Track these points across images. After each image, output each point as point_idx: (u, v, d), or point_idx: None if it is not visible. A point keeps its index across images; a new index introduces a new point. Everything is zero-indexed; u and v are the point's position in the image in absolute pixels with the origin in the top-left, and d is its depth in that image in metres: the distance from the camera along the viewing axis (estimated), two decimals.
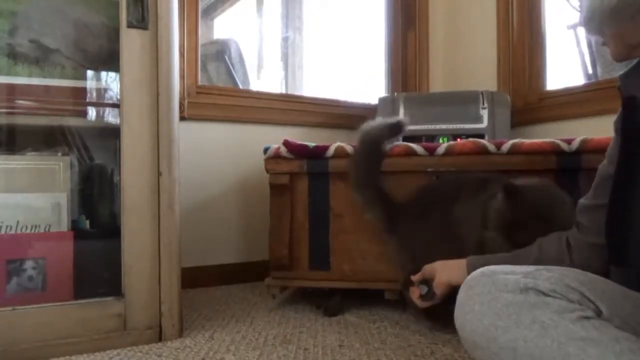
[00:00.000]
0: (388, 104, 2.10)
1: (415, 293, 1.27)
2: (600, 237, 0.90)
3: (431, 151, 1.55)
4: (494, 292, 0.73)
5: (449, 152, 1.53)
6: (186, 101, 1.99)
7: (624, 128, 0.88)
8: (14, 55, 1.36)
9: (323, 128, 2.30)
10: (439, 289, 1.19)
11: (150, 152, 1.32)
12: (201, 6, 2.15)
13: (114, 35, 1.32)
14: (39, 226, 1.32)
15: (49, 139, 1.46)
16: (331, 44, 2.88)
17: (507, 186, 1.14)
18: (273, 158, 1.63)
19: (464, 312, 0.76)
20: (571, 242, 1.00)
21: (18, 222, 1.30)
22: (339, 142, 1.61)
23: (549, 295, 0.68)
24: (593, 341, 0.62)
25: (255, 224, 2.10)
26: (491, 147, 1.50)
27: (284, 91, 2.82)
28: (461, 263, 1.13)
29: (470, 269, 1.04)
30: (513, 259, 1.03)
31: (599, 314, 0.67)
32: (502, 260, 0.98)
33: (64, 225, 1.35)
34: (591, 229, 0.95)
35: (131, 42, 1.30)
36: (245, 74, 2.60)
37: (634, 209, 0.83)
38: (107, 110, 1.46)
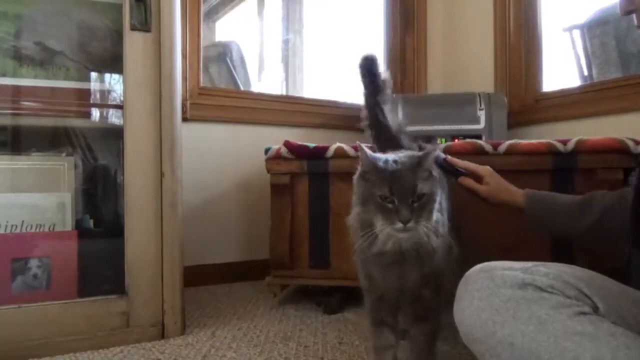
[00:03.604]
0: None
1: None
2: None
3: None
4: (492, 288, 0.73)
5: (446, 153, 1.55)
6: (188, 102, 2.01)
7: None
8: (19, 58, 1.37)
9: (323, 129, 2.32)
10: (489, 196, 1.23)
11: (153, 152, 1.34)
12: (203, 9, 2.17)
13: (118, 38, 1.34)
14: (44, 225, 1.34)
15: (53, 140, 1.47)
16: (331, 46, 2.88)
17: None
18: (274, 158, 1.65)
19: (462, 307, 0.76)
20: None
21: (23, 221, 1.32)
22: (339, 142, 1.63)
23: (547, 291, 0.69)
24: (589, 336, 0.62)
25: (256, 223, 2.12)
26: (488, 148, 1.52)
27: (284, 92, 2.84)
28: (517, 191, 1.23)
29: (528, 199, 1.18)
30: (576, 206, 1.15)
31: (595, 309, 0.68)
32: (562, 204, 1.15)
33: (68, 225, 1.37)
34: None
35: (134, 44, 1.32)
36: (246, 76, 2.62)
37: None
38: (111, 111, 1.48)
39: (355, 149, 1.59)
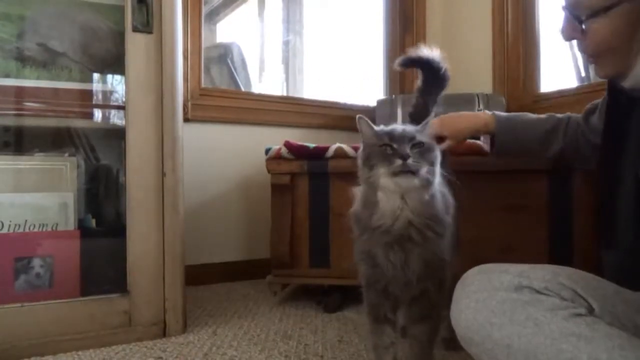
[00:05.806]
0: (386, 106, 2.13)
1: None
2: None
3: None
4: (489, 290, 0.74)
5: (445, 153, 1.56)
6: (190, 103, 2.02)
7: (609, 113, 0.92)
8: (22, 59, 1.38)
9: (323, 129, 2.33)
10: (456, 137, 1.22)
11: (155, 152, 1.35)
12: (204, 11, 2.18)
13: (120, 39, 1.35)
14: (47, 225, 1.35)
15: (56, 140, 1.48)
16: (331, 47, 2.90)
17: None
18: (274, 159, 1.66)
19: (459, 309, 0.77)
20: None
21: (26, 221, 1.33)
22: (339, 143, 1.64)
23: (543, 293, 0.70)
24: (585, 337, 0.63)
25: (257, 222, 2.13)
26: (487, 148, 1.53)
27: (284, 93, 2.84)
28: (483, 114, 1.23)
29: (497, 120, 1.18)
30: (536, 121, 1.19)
31: (590, 311, 0.68)
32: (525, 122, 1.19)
33: (71, 224, 1.38)
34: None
35: (136, 45, 1.33)
36: (247, 77, 2.63)
37: (621, 191, 0.86)
38: (113, 112, 1.49)
39: (355, 149, 1.61)
